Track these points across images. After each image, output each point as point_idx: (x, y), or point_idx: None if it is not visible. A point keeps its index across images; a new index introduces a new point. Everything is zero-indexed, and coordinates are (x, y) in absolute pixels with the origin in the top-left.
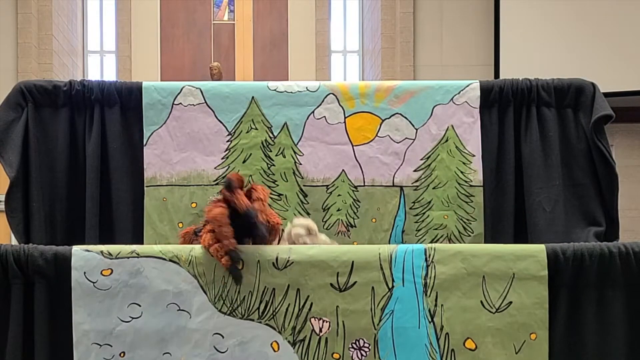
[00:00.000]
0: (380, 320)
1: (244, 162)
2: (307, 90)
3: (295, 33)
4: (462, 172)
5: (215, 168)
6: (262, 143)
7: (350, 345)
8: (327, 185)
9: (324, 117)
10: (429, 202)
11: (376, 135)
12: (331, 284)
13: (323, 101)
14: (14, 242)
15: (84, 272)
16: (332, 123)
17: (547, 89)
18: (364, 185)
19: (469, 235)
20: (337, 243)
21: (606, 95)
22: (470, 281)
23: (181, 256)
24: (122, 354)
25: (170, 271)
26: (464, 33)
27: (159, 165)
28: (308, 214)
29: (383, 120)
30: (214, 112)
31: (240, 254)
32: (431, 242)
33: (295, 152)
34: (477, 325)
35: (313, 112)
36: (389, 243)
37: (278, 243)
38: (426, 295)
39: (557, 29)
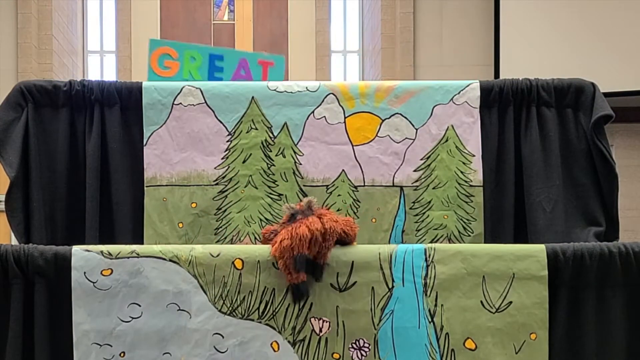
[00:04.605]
0: (380, 320)
1: (244, 162)
2: (307, 90)
3: (295, 33)
4: (462, 172)
5: (215, 168)
6: (262, 143)
7: (350, 345)
8: (327, 185)
9: (324, 117)
10: (429, 202)
11: (376, 135)
12: (331, 284)
13: (323, 101)
14: (14, 242)
15: (84, 272)
16: (332, 123)
17: (547, 89)
18: (364, 185)
19: (469, 235)
20: None
21: (606, 95)
22: (470, 281)
23: (181, 256)
24: (122, 354)
25: (170, 271)
26: (464, 33)
27: (159, 165)
28: None
29: (383, 120)
30: (214, 112)
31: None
32: (431, 242)
33: (295, 152)
34: (477, 325)
35: (313, 112)
36: (389, 243)
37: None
38: (426, 295)
39: (557, 28)
